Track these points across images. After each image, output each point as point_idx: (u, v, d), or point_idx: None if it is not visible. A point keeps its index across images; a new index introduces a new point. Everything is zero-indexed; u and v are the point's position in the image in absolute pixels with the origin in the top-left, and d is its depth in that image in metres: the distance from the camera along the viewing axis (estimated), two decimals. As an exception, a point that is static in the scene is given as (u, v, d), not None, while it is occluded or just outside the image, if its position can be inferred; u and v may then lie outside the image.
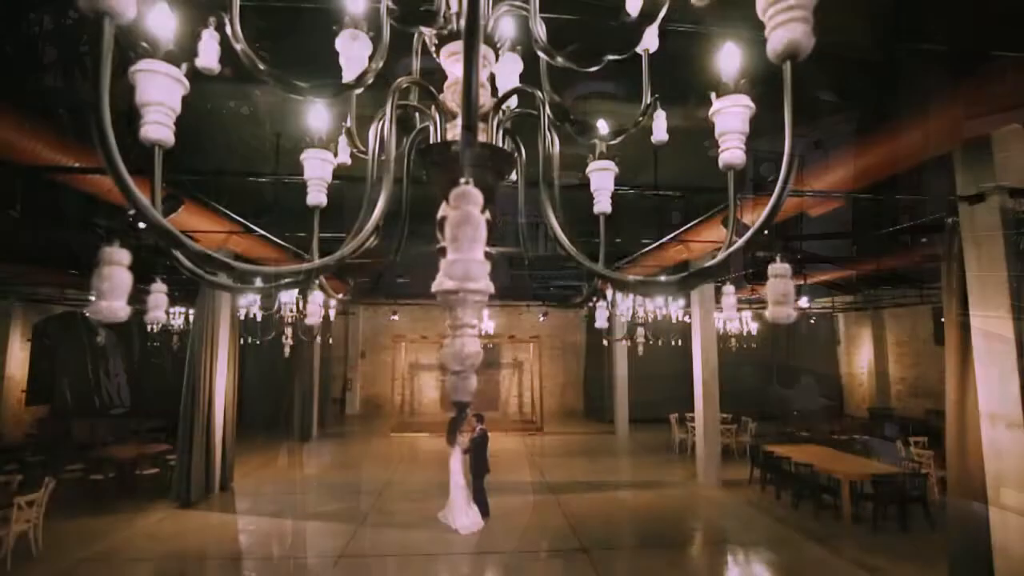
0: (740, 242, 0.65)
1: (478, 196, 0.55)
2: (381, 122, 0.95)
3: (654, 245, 7.95)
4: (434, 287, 0.95)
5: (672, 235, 7.18)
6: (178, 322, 12.71)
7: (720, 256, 0.67)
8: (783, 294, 0.67)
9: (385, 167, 0.83)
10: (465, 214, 0.54)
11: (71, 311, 15.71)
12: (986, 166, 4.65)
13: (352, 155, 1.37)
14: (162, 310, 1.31)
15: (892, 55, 3.94)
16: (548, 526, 7.67)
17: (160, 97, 0.90)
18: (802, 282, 11.71)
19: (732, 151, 1.00)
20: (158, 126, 0.89)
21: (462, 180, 0.57)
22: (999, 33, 3.28)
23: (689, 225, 6.92)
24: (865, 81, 4.31)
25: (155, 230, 0.59)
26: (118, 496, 8.79)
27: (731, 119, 1.03)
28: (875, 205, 7.13)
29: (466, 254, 0.53)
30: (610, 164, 1.38)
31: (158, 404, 14.42)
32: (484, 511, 7.85)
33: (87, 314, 0.59)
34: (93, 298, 0.60)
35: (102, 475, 8.90)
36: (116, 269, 0.61)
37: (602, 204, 1.39)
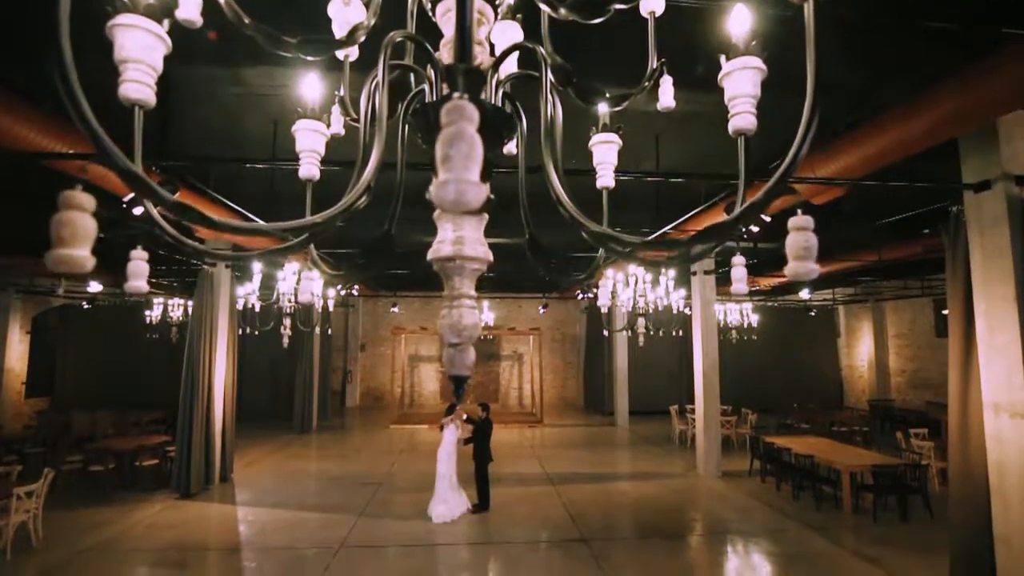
0: (759, 194, 0.61)
1: (473, 111, 0.50)
2: (374, 81, 0.91)
3: (656, 235, 7.88)
4: (430, 255, 0.90)
5: (674, 224, 7.12)
6: (177, 313, 12.69)
7: (736, 211, 0.63)
8: (804, 248, 0.62)
9: (378, 125, 0.78)
10: (459, 130, 0.49)
11: (70, 303, 15.68)
12: (993, 153, 4.60)
13: (346, 127, 1.32)
14: (143, 280, 1.24)
15: (896, 35, 3.87)
16: (548, 516, 7.67)
17: (139, 54, 0.84)
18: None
19: (743, 116, 0.96)
20: (138, 85, 0.84)
21: (456, 95, 0.52)
22: (1011, 13, 3.21)
23: (691, 213, 6.87)
24: (868, 63, 4.23)
25: (124, 176, 0.55)
26: (118, 487, 8.79)
27: (741, 82, 0.98)
28: (877, 193, 7.07)
29: (459, 174, 0.47)
30: (613, 137, 1.33)
31: (158, 396, 14.43)
32: (485, 501, 7.86)
33: (45, 263, 0.54)
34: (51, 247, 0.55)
35: (102, 466, 8.90)
36: (77, 214, 0.55)
37: (605, 178, 1.35)
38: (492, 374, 20.16)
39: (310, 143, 1.22)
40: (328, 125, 1.26)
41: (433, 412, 17.27)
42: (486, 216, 0.89)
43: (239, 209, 6.66)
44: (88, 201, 0.56)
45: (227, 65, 4.40)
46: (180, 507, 8.00)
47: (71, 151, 4.43)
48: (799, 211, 0.64)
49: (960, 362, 4.92)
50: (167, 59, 0.88)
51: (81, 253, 0.55)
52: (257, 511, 7.87)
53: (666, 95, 1.23)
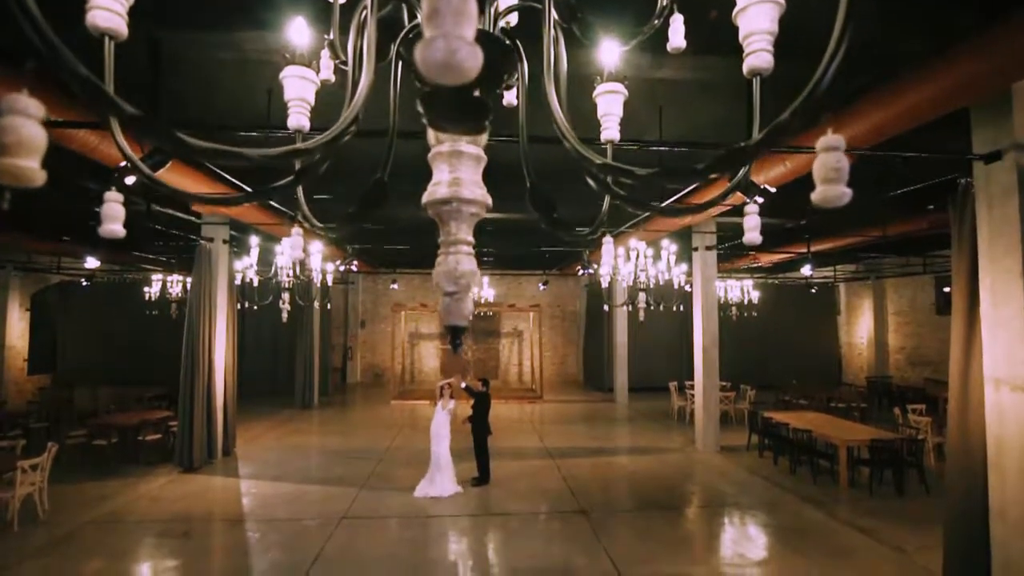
0: (785, 114, 0.55)
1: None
2: (364, 12, 0.84)
3: (657, 208, 7.79)
4: (425, 198, 0.85)
5: (677, 196, 7.02)
6: (176, 290, 12.66)
7: (758, 136, 0.57)
8: (835, 169, 0.56)
9: (367, 51, 0.72)
10: (449, -15, 0.43)
11: (69, 280, 15.64)
12: (1005, 122, 4.48)
13: (336, 71, 1.25)
14: (118, 223, 1.18)
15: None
16: (547, 489, 7.76)
17: (107, -21, 0.78)
18: (806, 250, 11.59)
19: (759, 54, 0.89)
20: (107, 12, 0.77)
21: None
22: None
23: (694, 186, 6.76)
24: (880, 19, 4.09)
25: (79, 83, 0.49)
26: (121, 461, 8.88)
27: (758, 17, 0.92)
28: (883, 167, 6.94)
29: (449, 29, 0.41)
30: (618, 86, 1.27)
31: (159, 371, 14.49)
32: (485, 474, 7.94)
33: None
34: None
35: (105, 441, 8.97)
36: (21, 119, 0.49)
37: (610, 131, 1.28)
38: (492, 351, 20.23)
39: (298, 91, 1.16)
40: (317, 72, 1.20)
41: (433, 388, 17.38)
42: (484, 157, 0.83)
43: (232, 180, 6.56)
44: (35, 107, 0.50)
45: (219, 28, 4.26)
46: (183, 480, 8.08)
47: (60, 119, 4.32)
48: (829, 131, 0.59)
49: (962, 336, 4.89)
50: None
51: (29, 164, 0.50)
52: (260, 484, 7.95)
53: (676, 35, 1.16)
